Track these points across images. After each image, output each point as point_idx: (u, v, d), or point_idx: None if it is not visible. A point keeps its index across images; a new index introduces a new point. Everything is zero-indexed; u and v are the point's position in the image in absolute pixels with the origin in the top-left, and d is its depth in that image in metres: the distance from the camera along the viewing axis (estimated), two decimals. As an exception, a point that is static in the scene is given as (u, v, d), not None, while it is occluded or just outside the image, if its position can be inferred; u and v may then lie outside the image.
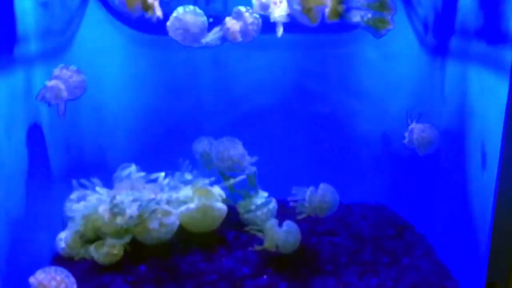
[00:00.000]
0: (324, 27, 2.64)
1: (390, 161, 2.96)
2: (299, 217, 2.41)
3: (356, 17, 1.82)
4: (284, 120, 3.01)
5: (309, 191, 2.40)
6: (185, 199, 2.52)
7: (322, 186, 2.42)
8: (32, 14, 2.22)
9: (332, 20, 1.83)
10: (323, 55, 2.95)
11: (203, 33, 2.18)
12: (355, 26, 2.84)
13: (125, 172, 2.59)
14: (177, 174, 2.63)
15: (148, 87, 2.94)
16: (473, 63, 2.20)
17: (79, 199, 2.44)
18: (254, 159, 2.57)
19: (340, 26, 1.99)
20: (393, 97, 2.90)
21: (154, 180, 2.58)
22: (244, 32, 2.19)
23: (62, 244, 2.37)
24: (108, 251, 2.31)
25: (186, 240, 2.51)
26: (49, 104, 2.15)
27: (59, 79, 2.17)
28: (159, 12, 1.99)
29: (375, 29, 1.84)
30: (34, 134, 2.27)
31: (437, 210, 2.58)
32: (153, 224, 2.38)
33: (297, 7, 1.84)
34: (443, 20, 2.50)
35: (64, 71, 2.19)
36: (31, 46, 2.23)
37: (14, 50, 2.06)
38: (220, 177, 2.64)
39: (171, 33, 2.16)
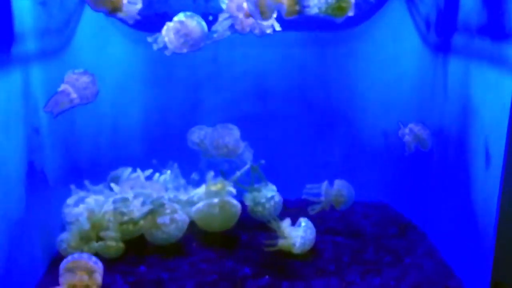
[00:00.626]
0: (325, 25, 2.65)
1: (392, 159, 2.94)
2: (312, 212, 2.50)
3: (313, 9, 1.88)
4: (285, 120, 3.00)
5: (324, 185, 2.50)
6: (199, 200, 2.52)
7: (337, 181, 2.56)
8: (30, 13, 2.20)
9: (290, 17, 1.91)
10: (324, 53, 2.94)
11: (203, 39, 2.16)
12: (356, 23, 2.87)
13: (125, 174, 2.59)
14: (168, 173, 2.61)
15: (147, 87, 2.93)
16: (476, 60, 2.19)
17: (77, 202, 2.43)
18: (250, 152, 2.56)
19: (341, 24, 1.99)
20: (395, 95, 2.88)
21: (151, 177, 2.59)
22: (253, 25, 2.17)
23: (63, 245, 2.36)
24: (110, 241, 2.33)
25: (187, 239, 2.50)
26: (55, 116, 2.12)
27: (68, 83, 2.15)
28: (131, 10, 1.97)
29: (333, 17, 1.91)
30: (32, 134, 2.25)
31: (440, 208, 2.56)
32: (162, 219, 2.36)
33: (252, 8, 1.92)
34: (446, 17, 2.49)
35: (72, 75, 2.16)
36: (29, 45, 2.21)
37: (12, 49, 2.05)
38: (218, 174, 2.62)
39: (169, 40, 2.13)
